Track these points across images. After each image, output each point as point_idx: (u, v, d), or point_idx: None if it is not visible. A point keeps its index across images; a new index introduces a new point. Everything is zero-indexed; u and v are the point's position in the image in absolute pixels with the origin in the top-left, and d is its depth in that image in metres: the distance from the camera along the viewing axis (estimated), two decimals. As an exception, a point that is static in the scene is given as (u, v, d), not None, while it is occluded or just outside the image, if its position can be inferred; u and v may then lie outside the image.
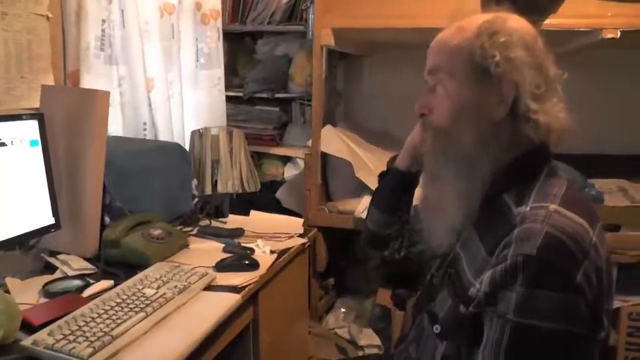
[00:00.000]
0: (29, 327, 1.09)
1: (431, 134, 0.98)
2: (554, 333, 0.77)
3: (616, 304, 1.95)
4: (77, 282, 1.31)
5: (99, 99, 1.48)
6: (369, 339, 2.21)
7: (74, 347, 0.99)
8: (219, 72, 2.39)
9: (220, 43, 2.37)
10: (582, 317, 0.77)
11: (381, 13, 2.00)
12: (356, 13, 2.05)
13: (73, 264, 1.42)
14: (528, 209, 0.85)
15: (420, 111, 1.00)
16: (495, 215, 0.90)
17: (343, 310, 2.41)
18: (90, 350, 0.98)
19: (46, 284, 1.31)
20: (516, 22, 0.93)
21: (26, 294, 1.26)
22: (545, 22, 1.75)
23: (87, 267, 1.42)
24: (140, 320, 1.11)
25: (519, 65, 0.89)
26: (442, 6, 1.87)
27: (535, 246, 0.78)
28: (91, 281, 1.33)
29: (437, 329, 0.96)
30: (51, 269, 1.42)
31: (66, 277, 1.36)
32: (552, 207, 0.83)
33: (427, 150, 1.00)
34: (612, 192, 2.19)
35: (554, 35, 1.89)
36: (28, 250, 1.51)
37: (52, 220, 1.42)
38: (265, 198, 2.48)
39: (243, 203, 2.24)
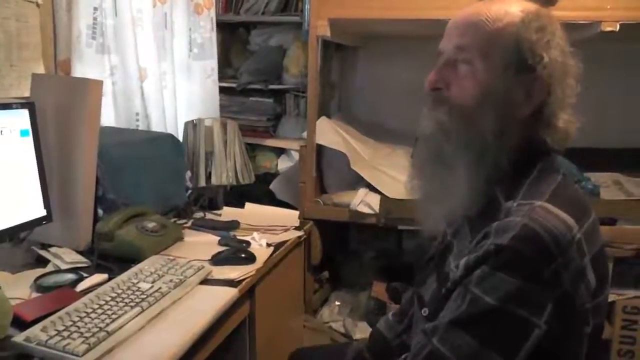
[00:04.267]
0: (20, 323, 1.06)
1: (447, 110, 0.91)
2: (505, 313, 0.78)
3: (611, 297, 1.95)
4: (70, 276, 1.29)
5: (91, 88, 1.44)
6: (364, 332, 2.19)
7: (68, 344, 0.96)
8: (213, 62, 2.35)
9: (214, 33, 2.33)
10: (540, 309, 0.77)
11: (378, 4, 1.98)
12: (353, 4, 2.03)
13: (65, 257, 1.39)
14: (515, 205, 0.84)
15: (435, 85, 0.93)
16: (485, 207, 0.89)
17: (337, 303, 2.39)
18: (85, 346, 0.96)
19: (38, 278, 1.27)
20: (555, 20, 0.91)
21: (17, 288, 1.23)
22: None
23: (80, 260, 1.39)
24: (136, 315, 1.09)
25: (558, 70, 0.87)
26: (439, -3, 1.87)
27: (509, 237, 0.78)
28: (84, 275, 1.30)
29: (425, 312, 0.98)
30: (43, 262, 1.39)
31: (59, 271, 1.33)
32: (538, 203, 0.82)
33: (436, 129, 0.93)
34: (608, 186, 2.19)
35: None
36: (18, 243, 1.47)
37: (43, 212, 1.38)
38: (259, 190, 2.45)
39: (236, 195, 2.22)
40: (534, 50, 0.86)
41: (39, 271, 1.33)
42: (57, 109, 1.44)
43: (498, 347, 0.78)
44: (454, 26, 0.93)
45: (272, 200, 2.46)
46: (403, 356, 1.02)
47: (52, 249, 1.43)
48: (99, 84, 1.46)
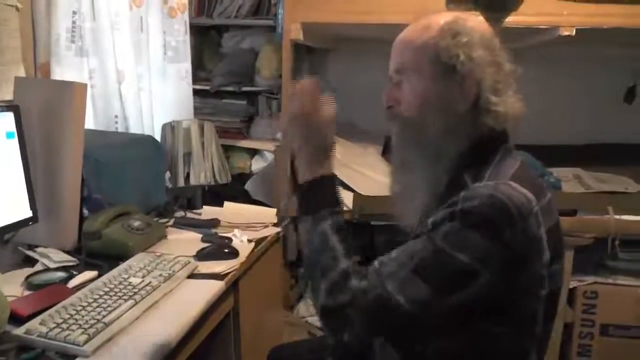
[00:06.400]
0: (16, 319, 1.09)
1: (399, 124, 1.06)
2: (466, 267, 0.86)
3: (573, 283, 2.08)
4: (61, 274, 1.32)
5: (76, 91, 1.47)
6: (339, 325, 2.26)
7: (68, 335, 1.01)
8: (186, 65, 2.38)
9: (188, 36, 2.37)
10: (499, 268, 0.87)
11: (349, 9, 2.06)
12: (325, 8, 2.10)
13: (53, 257, 1.42)
14: (482, 184, 0.94)
15: (388, 104, 1.07)
16: (455, 191, 0.97)
17: (313, 298, 2.45)
18: (85, 337, 1.00)
19: (28, 276, 1.30)
20: (475, 23, 1.02)
21: (9, 286, 1.25)
22: (505, 19, 1.85)
23: (68, 259, 1.43)
24: (130, 308, 1.14)
25: (480, 63, 0.98)
26: (407, 3, 1.96)
27: (477, 203, 0.88)
28: (74, 272, 1.34)
29: None
30: (30, 262, 1.42)
31: (48, 270, 1.36)
32: (502, 181, 0.93)
33: (396, 140, 1.08)
34: (569, 180, 2.32)
35: (513, 32, 2.01)
36: (3, 245, 1.49)
37: (29, 213, 1.41)
38: (234, 190, 2.50)
39: (212, 195, 2.27)
40: (451, 52, 0.97)
41: (28, 270, 1.36)
42: (42, 112, 1.47)
43: (449, 293, 0.88)
44: (393, 50, 1.06)
45: (247, 199, 2.51)
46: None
47: (39, 249, 1.46)
48: (83, 87, 1.50)
